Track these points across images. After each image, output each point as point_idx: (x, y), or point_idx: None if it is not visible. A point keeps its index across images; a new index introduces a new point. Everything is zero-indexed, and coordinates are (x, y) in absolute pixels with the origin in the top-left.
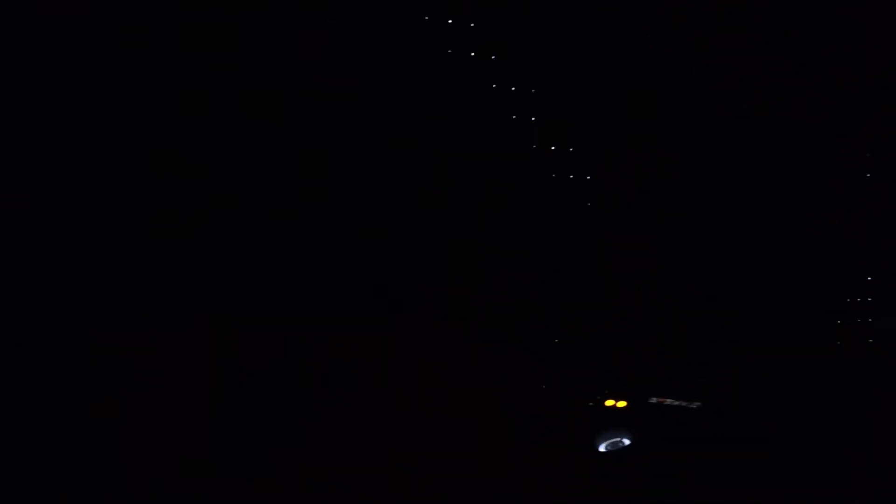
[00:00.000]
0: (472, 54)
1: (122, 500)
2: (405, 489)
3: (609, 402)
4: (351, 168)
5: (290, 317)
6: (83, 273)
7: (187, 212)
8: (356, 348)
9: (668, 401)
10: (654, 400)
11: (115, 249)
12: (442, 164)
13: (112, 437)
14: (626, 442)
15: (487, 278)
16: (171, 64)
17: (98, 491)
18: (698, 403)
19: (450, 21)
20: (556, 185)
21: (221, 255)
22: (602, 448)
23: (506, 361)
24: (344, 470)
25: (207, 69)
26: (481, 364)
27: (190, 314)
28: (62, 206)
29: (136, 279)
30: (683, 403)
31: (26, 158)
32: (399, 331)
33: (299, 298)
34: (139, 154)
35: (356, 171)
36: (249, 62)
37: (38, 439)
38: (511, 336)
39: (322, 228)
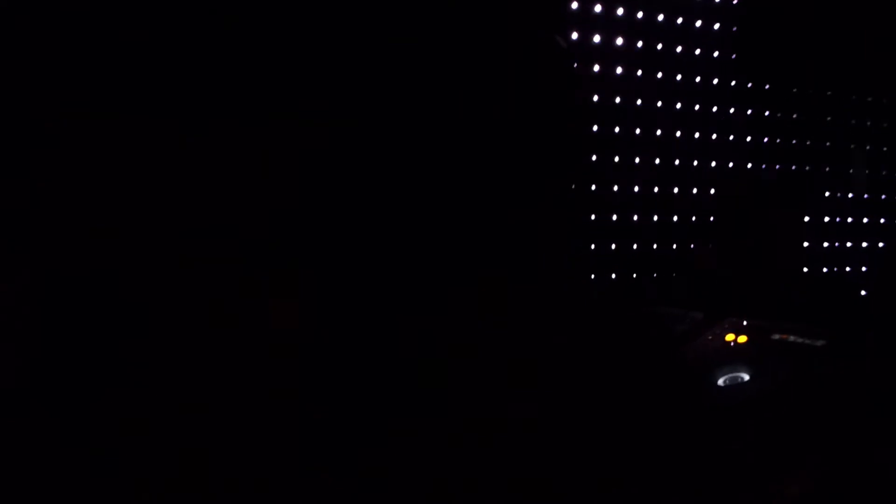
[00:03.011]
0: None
1: (123, 500)
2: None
3: (729, 337)
4: (355, 168)
5: (295, 316)
6: (83, 272)
7: (187, 211)
8: (362, 348)
9: (791, 338)
10: (776, 336)
11: (115, 248)
12: (442, 162)
13: (112, 436)
14: (745, 377)
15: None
16: (171, 61)
17: (98, 491)
18: (822, 342)
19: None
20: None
21: (221, 254)
22: (720, 382)
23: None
24: (345, 470)
25: (207, 69)
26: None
27: (191, 313)
28: (63, 205)
29: (136, 276)
30: (807, 341)
31: (26, 158)
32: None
33: (304, 298)
34: (139, 154)
35: (359, 171)
36: (250, 62)
37: (38, 439)
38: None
39: (323, 228)
